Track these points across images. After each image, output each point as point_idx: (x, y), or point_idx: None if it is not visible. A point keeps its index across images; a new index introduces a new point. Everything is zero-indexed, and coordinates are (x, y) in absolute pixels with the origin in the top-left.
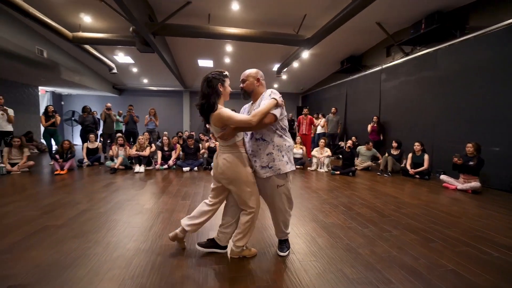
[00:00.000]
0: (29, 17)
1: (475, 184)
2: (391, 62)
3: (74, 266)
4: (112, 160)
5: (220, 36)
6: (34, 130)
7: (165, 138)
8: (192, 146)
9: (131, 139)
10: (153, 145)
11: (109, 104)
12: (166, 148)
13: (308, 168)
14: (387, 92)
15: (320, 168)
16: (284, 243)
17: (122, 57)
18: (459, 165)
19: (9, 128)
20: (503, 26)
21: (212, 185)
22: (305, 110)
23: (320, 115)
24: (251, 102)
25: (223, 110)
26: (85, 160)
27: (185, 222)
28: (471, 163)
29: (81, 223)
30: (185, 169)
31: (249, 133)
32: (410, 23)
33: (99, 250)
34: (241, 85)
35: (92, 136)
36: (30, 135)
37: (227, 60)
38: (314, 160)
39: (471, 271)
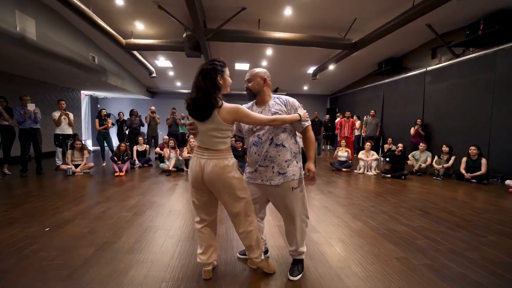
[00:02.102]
0: (92, 24)
1: None
2: (438, 64)
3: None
4: (162, 161)
5: (268, 41)
6: (77, 132)
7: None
8: (240, 149)
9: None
10: None
11: (153, 108)
12: None
13: (355, 171)
14: (432, 95)
15: (368, 171)
16: (297, 265)
17: (162, 62)
18: None
19: (70, 131)
20: None
21: (195, 201)
22: (347, 113)
23: (355, 117)
24: (253, 102)
25: (240, 106)
26: (137, 162)
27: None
28: None
29: (181, 226)
30: None
31: (265, 138)
32: (462, 24)
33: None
34: (247, 84)
35: (141, 138)
36: (75, 137)
37: (264, 63)
38: (362, 163)
39: None
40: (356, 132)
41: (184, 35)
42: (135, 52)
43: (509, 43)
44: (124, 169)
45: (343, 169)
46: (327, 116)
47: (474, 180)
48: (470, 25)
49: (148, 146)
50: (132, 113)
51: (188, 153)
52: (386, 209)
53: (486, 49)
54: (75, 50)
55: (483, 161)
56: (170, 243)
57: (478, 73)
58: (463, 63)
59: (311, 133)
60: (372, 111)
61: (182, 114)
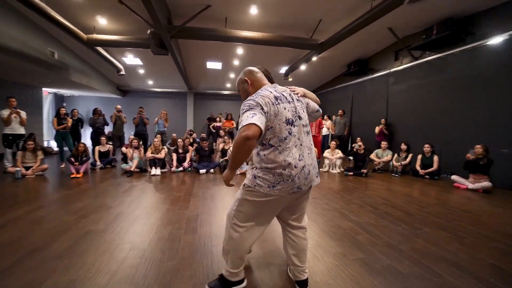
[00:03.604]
0: (47, 18)
1: (486, 183)
2: (400, 66)
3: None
4: (125, 162)
5: (236, 40)
6: (37, 132)
7: (179, 140)
8: (207, 149)
9: (141, 142)
10: (164, 147)
11: (119, 106)
12: (181, 151)
13: (320, 169)
14: (395, 95)
15: (332, 169)
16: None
17: (131, 59)
18: (471, 164)
19: (22, 131)
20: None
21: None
22: None
23: (326, 117)
24: None
25: None
26: (98, 163)
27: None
28: (481, 162)
29: (123, 227)
30: (201, 171)
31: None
32: (420, 28)
33: (156, 254)
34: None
35: (103, 138)
36: (33, 137)
37: (236, 62)
38: (327, 161)
39: (510, 265)
40: (325, 132)
41: (148, 31)
42: (100, 49)
43: (459, 47)
44: (81, 171)
45: None
46: None
47: (427, 176)
48: (426, 30)
49: (111, 146)
50: (95, 112)
51: (152, 153)
52: (338, 206)
53: (440, 52)
54: (29, 43)
55: (435, 158)
56: (109, 247)
57: (433, 75)
58: (420, 66)
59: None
60: (340, 111)
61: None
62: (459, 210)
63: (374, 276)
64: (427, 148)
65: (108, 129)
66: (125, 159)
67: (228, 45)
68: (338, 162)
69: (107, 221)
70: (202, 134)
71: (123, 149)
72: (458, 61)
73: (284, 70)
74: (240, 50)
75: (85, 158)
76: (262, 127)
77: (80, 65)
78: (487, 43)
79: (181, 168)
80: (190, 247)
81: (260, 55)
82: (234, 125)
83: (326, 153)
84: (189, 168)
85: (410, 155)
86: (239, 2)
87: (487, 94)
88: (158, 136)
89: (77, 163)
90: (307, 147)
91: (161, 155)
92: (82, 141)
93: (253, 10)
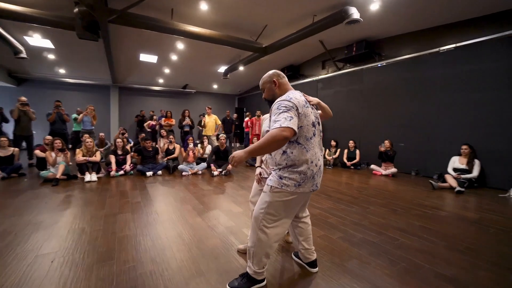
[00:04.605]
0: None
1: (393, 170)
2: (326, 74)
3: None
4: (43, 168)
5: (181, 33)
6: None
7: (119, 140)
8: (151, 149)
9: None
10: (99, 149)
11: (24, 98)
12: (120, 152)
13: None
14: (323, 99)
15: None
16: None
17: (38, 40)
18: (382, 155)
19: None
20: (408, 58)
21: None
22: (258, 112)
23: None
24: None
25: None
26: None
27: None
28: (389, 153)
29: (83, 244)
30: (148, 173)
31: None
32: (344, 44)
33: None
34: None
35: (4, 139)
36: None
37: (174, 57)
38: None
39: (431, 223)
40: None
41: (76, 9)
42: None
43: (370, 63)
44: None
45: (257, 165)
46: (235, 115)
47: (352, 167)
48: (348, 46)
49: (16, 149)
50: None
51: (83, 155)
52: None
53: (357, 66)
54: None
55: (357, 151)
56: (78, 271)
57: (352, 84)
58: (342, 75)
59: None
60: None
61: (78, 109)
62: (383, 191)
63: (357, 248)
64: (351, 143)
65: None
66: (40, 165)
67: (167, 38)
68: None
69: (57, 243)
70: (142, 135)
71: (38, 152)
72: (370, 74)
73: (223, 69)
74: (180, 45)
75: None
76: (296, 131)
77: None
78: (390, 62)
79: (121, 172)
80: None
81: (200, 52)
82: (174, 122)
83: None
84: (131, 171)
85: (338, 150)
86: None
87: (391, 101)
88: (85, 135)
89: None
90: (321, 149)
91: (96, 157)
92: None
93: (203, 6)
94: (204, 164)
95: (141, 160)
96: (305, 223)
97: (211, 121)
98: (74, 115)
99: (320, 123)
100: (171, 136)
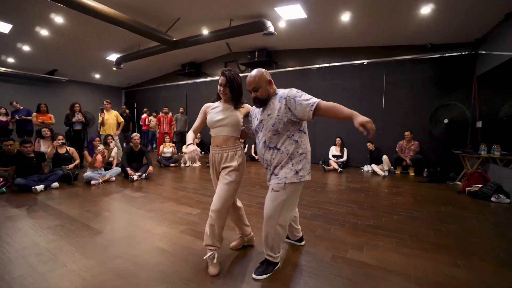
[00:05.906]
0: None
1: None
2: None
3: None
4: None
5: (78, 7)
6: None
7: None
8: (32, 155)
9: None
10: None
11: None
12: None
13: (182, 164)
14: None
15: (194, 164)
16: (264, 264)
17: None
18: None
19: None
20: (294, 69)
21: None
22: (165, 109)
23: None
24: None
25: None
26: None
27: None
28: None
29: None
30: (38, 187)
31: (260, 141)
32: (248, 49)
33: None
34: (254, 94)
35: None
36: None
37: (43, 31)
38: (186, 156)
39: (341, 196)
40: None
41: None
42: None
43: (269, 70)
44: None
45: (171, 165)
46: (127, 110)
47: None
48: (251, 52)
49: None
50: None
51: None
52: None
53: None
54: None
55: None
56: None
57: None
58: (244, 78)
59: (325, 104)
60: (181, 108)
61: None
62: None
63: (314, 221)
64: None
65: None
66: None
67: (40, 2)
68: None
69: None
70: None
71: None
72: None
73: (115, 57)
74: (58, 18)
75: None
76: None
77: None
78: (283, 70)
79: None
80: None
81: (88, 32)
82: (53, 121)
83: (185, 149)
84: (2, 188)
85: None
86: None
87: None
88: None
89: None
90: None
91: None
92: None
93: None
94: (117, 169)
95: (16, 171)
96: None
97: (112, 117)
98: None
99: None
100: (60, 136)
